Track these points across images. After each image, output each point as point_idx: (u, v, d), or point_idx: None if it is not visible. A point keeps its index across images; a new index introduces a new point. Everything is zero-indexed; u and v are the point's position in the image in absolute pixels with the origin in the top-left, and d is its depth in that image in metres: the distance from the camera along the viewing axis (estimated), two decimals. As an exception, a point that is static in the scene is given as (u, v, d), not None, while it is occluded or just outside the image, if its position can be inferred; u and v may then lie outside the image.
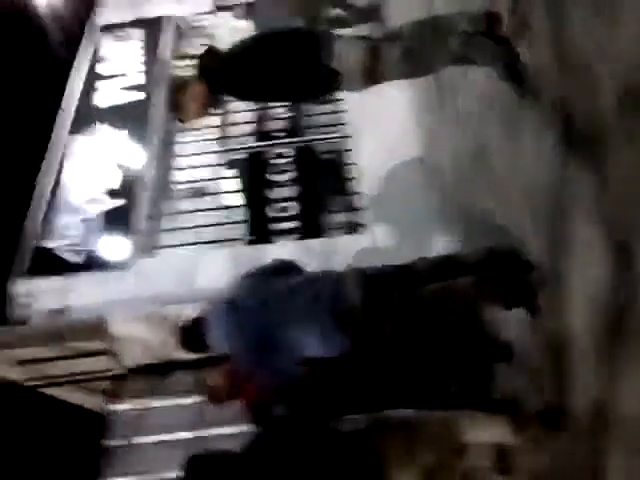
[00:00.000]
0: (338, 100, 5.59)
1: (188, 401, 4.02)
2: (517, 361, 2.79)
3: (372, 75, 2.31)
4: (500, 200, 2.86)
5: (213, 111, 2.72)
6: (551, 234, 2.31)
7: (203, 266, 4.61)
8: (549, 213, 2.29)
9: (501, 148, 2.74)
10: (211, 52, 2.52)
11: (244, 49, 2.44)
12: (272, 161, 5.63)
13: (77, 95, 6.22)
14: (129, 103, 6.08)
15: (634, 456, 1.92)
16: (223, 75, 2.43)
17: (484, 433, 2.30)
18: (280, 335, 2.36)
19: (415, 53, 2.24)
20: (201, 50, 2.56)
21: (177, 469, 2.19)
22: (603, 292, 1.97)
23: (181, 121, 2.63)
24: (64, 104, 6.13)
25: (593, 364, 2.12)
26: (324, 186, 5.60)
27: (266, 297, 2.47)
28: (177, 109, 2.57)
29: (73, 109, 6.08)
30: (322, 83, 2.35)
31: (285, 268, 2.70)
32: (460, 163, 3.64)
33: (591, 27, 1.80)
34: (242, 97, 2.88)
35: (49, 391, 4.63)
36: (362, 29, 5.62)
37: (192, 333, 2.53)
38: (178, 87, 2.58)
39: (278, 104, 5.87)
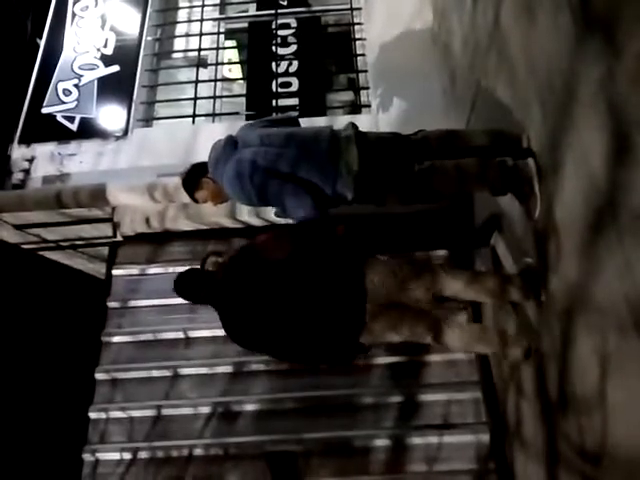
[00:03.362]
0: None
1: (184, 269, 4.13)
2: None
3: None
4: (510, 81, 2.77)
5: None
6: (556, 120, 2.26)
7: (201, 138, 4.55)
8: (557, 97, 2.22)
9: (515, 27, 2.61)
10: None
11: None
12: (275, 32, 5.36)
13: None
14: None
15: (603, 340, 2.01)
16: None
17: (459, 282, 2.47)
18: (275, 171, 2.53)
19: None
20: None
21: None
22: (598, 183, 1.96)
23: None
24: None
25: (578, 252, 2.16)
26: (329, 62, 5.39)
27: (265, 136, 2.64)
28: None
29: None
30: None
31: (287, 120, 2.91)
32: (472, 42, 3.48)
33: None
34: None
35: (49, 255, 4.74)
36: None
37: (193, 173, 2.81)
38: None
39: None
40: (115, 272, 4.27)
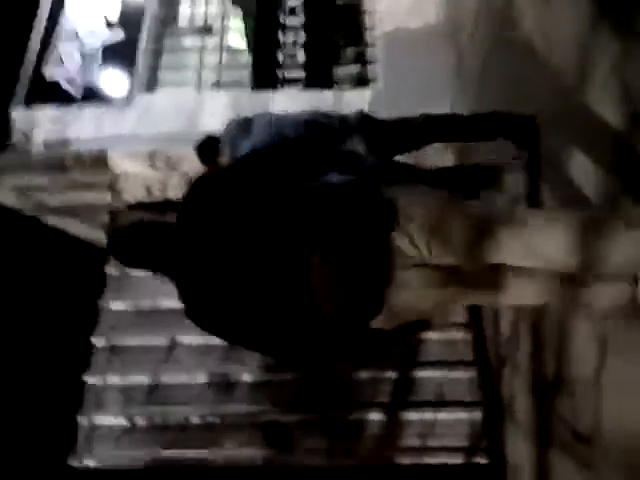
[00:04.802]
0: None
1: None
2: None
3: None
4: (520, 65, 2.73)
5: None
6: (565, 103, 2.23)
7: (205, 107, 4.50)
8: (568, 80, 2.19)
9: (529, 9, 2.56)
10: None
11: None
12: (282, 1, 5.26)
13: None
14: None
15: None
16: None
17: None
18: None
19: None
20: None
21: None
22: (604, 169, 1.95)
23: None
24: None
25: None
26: (337, 34, 5.31)
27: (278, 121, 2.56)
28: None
29: None
30: None
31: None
32: (482, 22, 3.43)
33: None
34: None
35: (49, 220, 4.72)
36: None
37: (207, 145, 2.70)
38: None
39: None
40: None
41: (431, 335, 3.53)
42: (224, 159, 2.65)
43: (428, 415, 3.44)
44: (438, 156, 3.40)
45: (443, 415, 3.42)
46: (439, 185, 2.81)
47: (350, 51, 5.48)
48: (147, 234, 1.66)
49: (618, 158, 1.91)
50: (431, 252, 1.51)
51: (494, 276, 1.61)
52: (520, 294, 1.65)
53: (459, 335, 3.57)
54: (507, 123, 2.66)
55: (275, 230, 1.47)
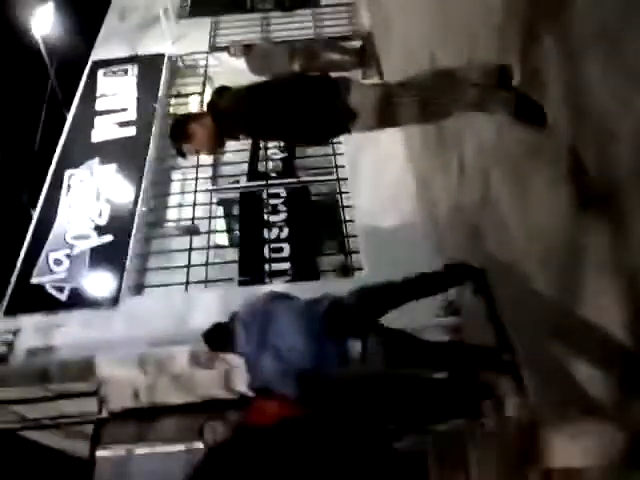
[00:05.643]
0: (334, 142, 5.64)
1: (175, 448, 3.88)
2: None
3: (386, 118, 2.31)
4: (504, 247, 2.85)
5: (219, 150, 2.72)
6: (562, 283, 2.29)
7: (194, 306, 4.51)
8: (561, 261, 2.27)
9: (508, 202, 2.74)
10: (222, 91, 2.50)
11: (258, 89, 2.43)
12: (265, 201, 5.59)
13: (74, 130, 6.22)
14: (123, 138, 6.06)
15: None
16: (235, 114, 2.40)
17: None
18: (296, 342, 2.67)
19: (430, 101, 2.25)
20: (197, 89, 2.55)
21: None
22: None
23: (195, 152, 2.57)
24: (62, 139, 6.14)
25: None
26: (318, 228, 5.57)
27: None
28: (187, 139, 2.49)
29: (70, 144, 6.08)
30: (337, 123, 2.34)
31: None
32: (461, 214, 3.63)
33: (608, 79, 1.82)
34: (256, 135, 2.89)
35: (29, 435, 4.42)
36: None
37: (215, 333, 2.90)
38: (187, 119, 2.54)
39: (274, 143, 5.91)
40: (100, 453, 3.96)
41: None
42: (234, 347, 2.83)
43: None
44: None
45: None
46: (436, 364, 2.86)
47: (333, 243, 5.73)
48: None
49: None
50: None
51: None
52: None
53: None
54: (459, 274, 3.16)
55: None
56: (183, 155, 2.59)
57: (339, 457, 1.78)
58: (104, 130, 6.15)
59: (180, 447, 3.79)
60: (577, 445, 1.68)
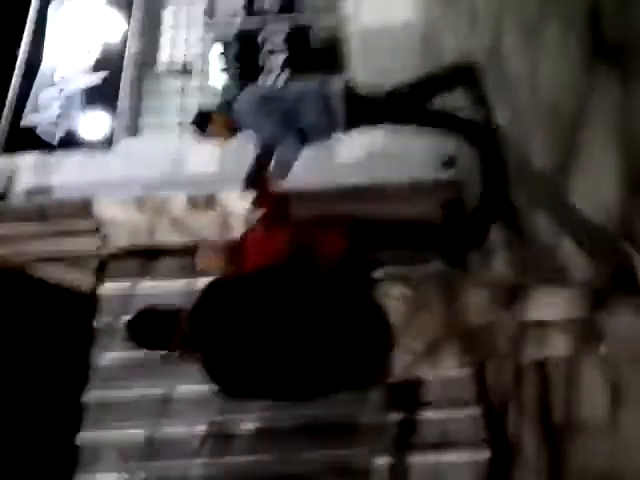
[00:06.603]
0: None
1: (175, 284, 4.05)
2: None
3: None
4: (508, 103, 2.77)
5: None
6: (563, 145, 2.26)
7: (189, 150, 4.46)
8: (565, 122, 2.22)
9: (519, 50, 2.60)
10: None
11: None
12: (263, 41, 5.28)
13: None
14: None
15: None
16: None
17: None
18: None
19: None
20: None
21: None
22: (608, 216, 1.97)
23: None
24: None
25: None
26: (317, 70, 5.33)
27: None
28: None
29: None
30: None
31: None
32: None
33: None
34: None
35: (35, 269, 4.60)
36: None
37: (200, 119, 3.28)
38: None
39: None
40: (103, 287, 4.17)
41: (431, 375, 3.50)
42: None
43: (433, 457, 3.39)
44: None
45: (448, 457, 3.38)
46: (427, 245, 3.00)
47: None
48: (159, 321, 1.87)
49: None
50: None
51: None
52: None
53: (459, 373, 3.53)
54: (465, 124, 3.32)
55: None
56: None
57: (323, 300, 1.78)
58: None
59: (181, 283, 3.94)
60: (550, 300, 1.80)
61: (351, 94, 3.23)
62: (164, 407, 3.66)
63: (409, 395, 3.45)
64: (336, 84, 3.32)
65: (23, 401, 4.85)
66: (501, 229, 3.02)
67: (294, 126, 3.10)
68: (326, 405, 3.43)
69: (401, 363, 1.76)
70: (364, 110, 3.22)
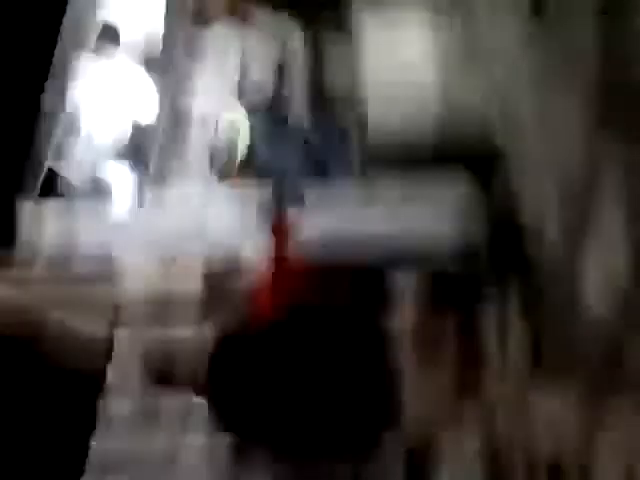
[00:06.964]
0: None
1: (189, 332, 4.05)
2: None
3: None
4: (525, 173, 2.83)
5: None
6: (574, 211, 2.29)
7: (214, 201, 4.54)
8: (576, 190, 2.27)
9: (532, 118, 2.69)
10: None
11: None
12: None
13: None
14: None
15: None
16: None
17: None
18: None
19: None
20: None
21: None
22: (619, 279, 1.98)
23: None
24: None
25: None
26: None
27: None
28: None
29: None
30: None
31: None
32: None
33: None
34: None
35: (50, 314, 4.63)
36: None
37: None
38: None
39: None
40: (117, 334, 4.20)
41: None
42: None
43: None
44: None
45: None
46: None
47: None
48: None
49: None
50: None
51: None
52: None
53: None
54: None
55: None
56: None
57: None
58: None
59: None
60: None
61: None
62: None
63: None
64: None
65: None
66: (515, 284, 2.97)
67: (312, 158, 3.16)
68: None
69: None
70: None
